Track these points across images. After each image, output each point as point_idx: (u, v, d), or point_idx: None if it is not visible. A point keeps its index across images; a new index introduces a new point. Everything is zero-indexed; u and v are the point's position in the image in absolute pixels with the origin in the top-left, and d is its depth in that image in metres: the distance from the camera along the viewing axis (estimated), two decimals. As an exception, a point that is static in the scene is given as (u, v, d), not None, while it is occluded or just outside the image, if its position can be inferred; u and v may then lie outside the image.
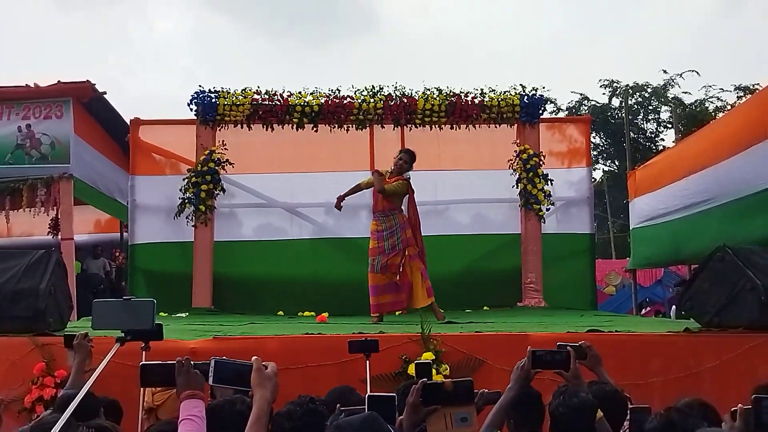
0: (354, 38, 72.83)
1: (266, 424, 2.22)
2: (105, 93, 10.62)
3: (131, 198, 10.53)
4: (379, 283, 7.78)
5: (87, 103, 10.54)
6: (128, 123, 10.71)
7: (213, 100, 10.05)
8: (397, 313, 8.10)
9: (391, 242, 7.75)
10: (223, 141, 10.14)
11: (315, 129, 10.23)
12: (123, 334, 2.47)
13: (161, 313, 8.66)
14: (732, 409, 2.42)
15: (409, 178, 7.92)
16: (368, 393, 2.77)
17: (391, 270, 7.69)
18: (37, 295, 5.54)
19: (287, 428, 2.59)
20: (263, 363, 2.30)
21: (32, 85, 10.22)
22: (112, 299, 2.60)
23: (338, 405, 3.03)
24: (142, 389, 3.50)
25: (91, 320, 2.51)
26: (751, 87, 24.88)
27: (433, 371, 4.71)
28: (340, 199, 8.22)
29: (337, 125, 10.26)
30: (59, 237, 10.68)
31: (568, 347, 3.19)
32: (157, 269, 10.38)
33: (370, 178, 8.10)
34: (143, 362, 2.51)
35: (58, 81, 10.17)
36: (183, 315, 9.02)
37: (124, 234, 12.99)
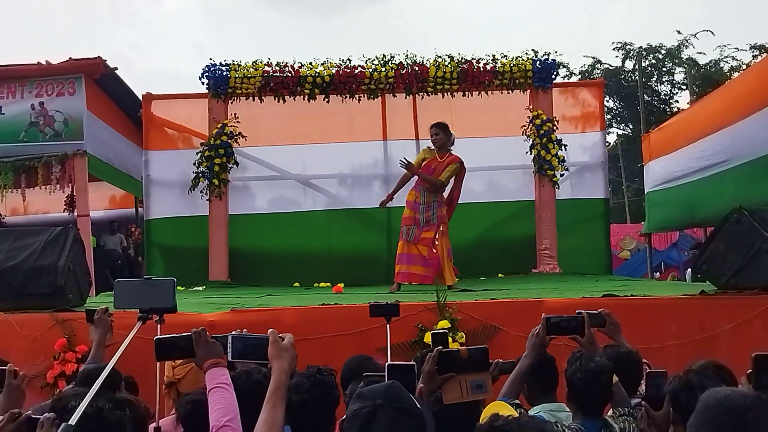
0: (363, 8, 72.16)
1: (284, 396, 2.24)
2: (116, 69, 10.67)
3: (145, 173, 10.56)
4: (410, 253, 7.82)
5: (99, 79, 10.58)
6: (140, 98, 10.71)
7: (224, 73, 10.01)
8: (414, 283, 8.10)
9: (426, 216, 7.82)
10: (235, 114, 10.13)
11: (327, 99, 10.19)
12: (144, 313, 2.51)
13: (179, 287, 8.73)
14: (748, 372, 2.43)
15: (453, 146, 8.01)
16: (388, 362, 2.79)
17: (424, 243, 7.75)
18: (56, 271, 5.61)
19: (295, 400, 2.61)
20: (280, 335, 2.32)
21: (44, 63, 10.26)
22: (133, 279, 2.64)
23: (362, 373, 3.06)
24: (158, 363, 3.53)
25: (113, 300, 2.54)
26: (767, 46, 24.54)
27: (450, 339, 4.74)
28: (389, 197, 8.25)
29: (348, 95, 10.20)
30: (75, 213, 10.78)
31: (584, 313, 3.19)
32: (173, 244, 10.45)
33: (415, 161, 8.02)
34: (157, 336, 2.54)
35: (70, 58, 10.20)
36: (200, 288, 9.09)
37: (140, 209, 13.08)
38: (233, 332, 2.42)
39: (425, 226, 7.79)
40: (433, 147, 8.00)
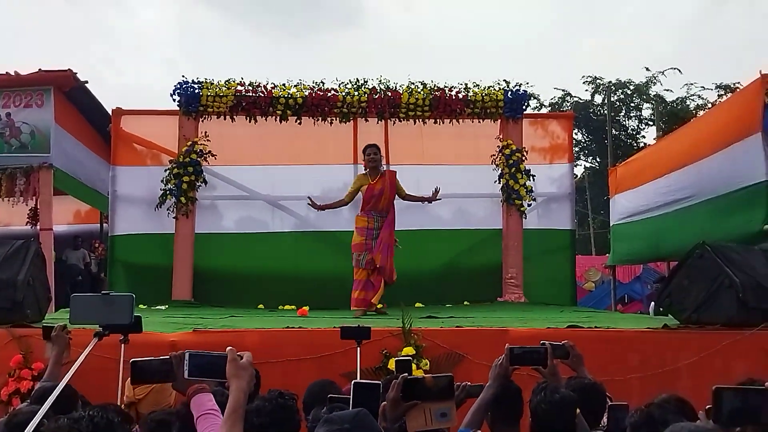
0: (337, 31, 72.64)
1: (242, 416, 2.20)
2: (87, 82, 10.55)
3: (112, 189, 10.42)
4: (361, 279, 8.03)
5: (68, 92, 10.44)
6: (110, 113, 10.60)
7: (196, 91, 9.97)
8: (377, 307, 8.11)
9: (378, 241, 8.06)
10: (205, 132, 10.08)
11: (298, 121, 10.19)
12: (101, 329, 2.45)
13: (141, 306, 8.61)
14: (707, 407, 2.45)
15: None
16: (354, 381, 2.77)
17: (371, 266, 8.01)
18: (15, 286, 5.48)
19: (256, 423, 2.58)
20: (238, 353, 2.28)
21: (12, 73, 10.10)
22: (90, 293, 2.57)
23: (325, 398, 3.03)
24: (120, 383, 3.46)
25: (69, 314, 2.47)
26: (732, 86, 25.11)
27: (414, 366, 4.73)
28: (322, 207, 8.52)
29: (320, 118, 10.22)
30: (38, 227, 10.59)
31: (547, 344, 3.21)
32: (137, 261, 10.29)
33: (349, 192, 8.45)
34: (134, 359, 2.46)
35: (39, 69, 10.06)
36: (163, 307, 8.96)
37: (105, 225, 12.90)
38: (190, 350, 2.37)
39: (376, 249, 8.04)
40: (366, 171, 8.28)
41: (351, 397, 2.56)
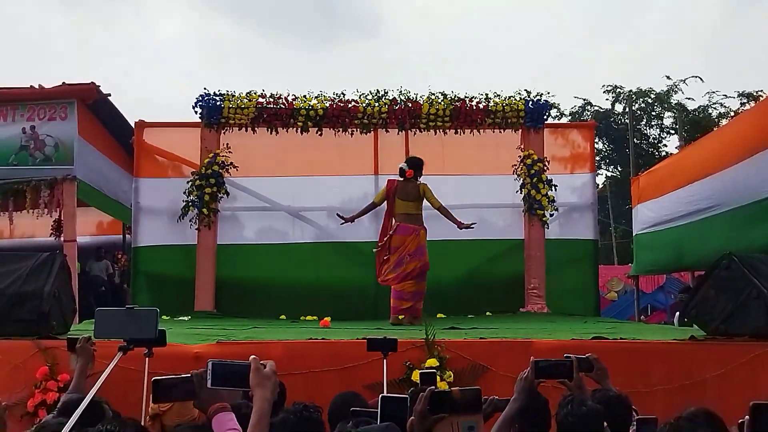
0: (356, 42, 72.84)
1: (267, 425, 2.19)
2: (110, 95, 10.65)
3: (135, 200, 10.51)
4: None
5: (91, 105, 10.55)
6: (133, 125, 10.70)
7: (218, 103, 10.05)
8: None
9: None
10: (227, 144, 10.14)
11: (319, 133, 10.22)
12: (125, 343, 2.45)
13: (163, 317, 8.65)
14: (739, 421, 2.40)
15: None
16: (381, 394, 2.76)
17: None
18: (41, 298, 5.53)
19: None
20: (261, 362, 2.27)
21: (36, 87, 10.24)
22: (115, 308, 2.57)
23: (349, 410, 3.02)
24: (144, 395, 3.46)
25: (94, 329, 2.48)
26: (755, 93, 24.89)
27: (437, 378, 4.70)
28: (351, 219, 8.59)
29: (341, 129, 10.25)
30: (62, 239, 10.69)
31: (572, 357, 3.18)
32: (160, 272, 10.36)
33: (380, 193, 8.55)
34: (156, 378, 2.46)
35: (63, 83, 10.19)
36: (185, 318, 9.00)
37: (127, 236, 13.00)
38: (213, 359, 2.37)
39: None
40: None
41: (378, 410, 2.55)
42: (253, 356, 2.25)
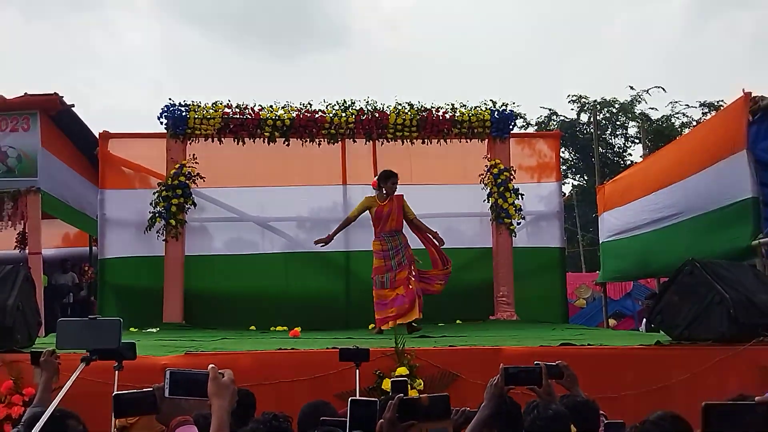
0: (324, 52, 72.80)
1: None
2: (73, 105, 10.50)
3: (101, 212, 10.38)
4: (387, 299, 8.04)
5: (55, 115, 10.40)
6: (97, 136, 10.58)
7: (183, 114, 9.98)
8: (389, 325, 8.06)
9: (398, 260, 8.12)
10: (193, 155, 10.07)
11: (286, 143, 10.20)
12: (88, 354, 2.42)
13: (131, 329, 8.56)
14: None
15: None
16: (351, 398, 2.76)
17: (400, 283, 8.02)
18: (4, 311, 5.44)
19: None
20: (219, 371, 2.26)
21: (-3, 98, 10.06)
22: (77, 318, 2.54)
23: (319, 419, 3.01)
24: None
25: (56, 340, 2.45)
26: (716, 103, 25.34)
27: (408, 386, 4.70)
28: (329, 238, 8.50)
29: (308, 139, 10.24)
30: (27, 251, 10.52)
31: (541, 364, 3.21)
32: (127, 284, 10.24)
33: (356, 209, 8.52)
34: (116, 393, 2.43)
35: (25, 93, 10.03)
36: (154, 330, 8.91)
37: (94, 248, 12.83)
38: (171, 368, 2.35)
39: (398, 268, 8.07)
40: (374, 194, 8.35)
41: (348, 414, 2.56)
42: (211, 365, 2.24)
